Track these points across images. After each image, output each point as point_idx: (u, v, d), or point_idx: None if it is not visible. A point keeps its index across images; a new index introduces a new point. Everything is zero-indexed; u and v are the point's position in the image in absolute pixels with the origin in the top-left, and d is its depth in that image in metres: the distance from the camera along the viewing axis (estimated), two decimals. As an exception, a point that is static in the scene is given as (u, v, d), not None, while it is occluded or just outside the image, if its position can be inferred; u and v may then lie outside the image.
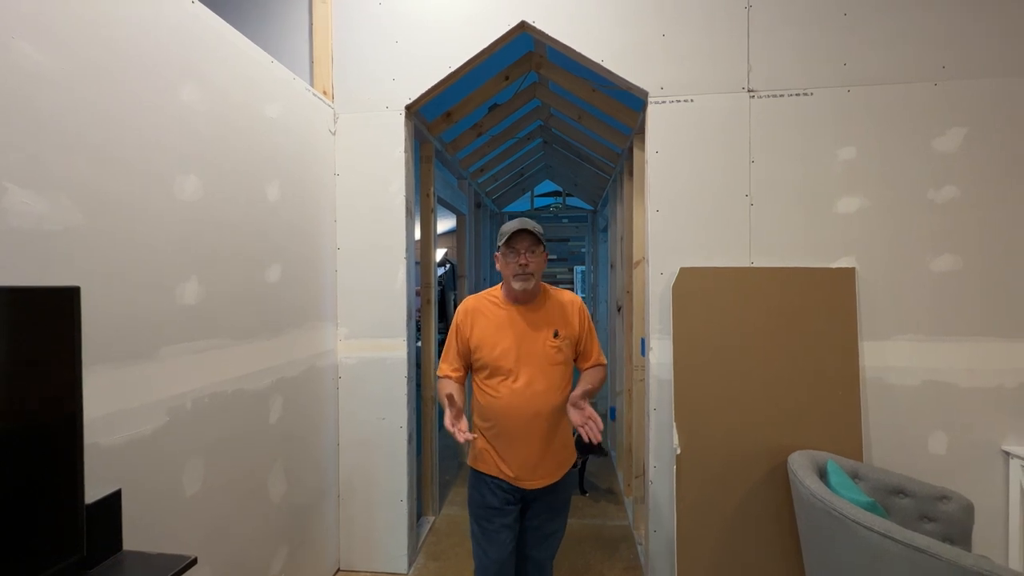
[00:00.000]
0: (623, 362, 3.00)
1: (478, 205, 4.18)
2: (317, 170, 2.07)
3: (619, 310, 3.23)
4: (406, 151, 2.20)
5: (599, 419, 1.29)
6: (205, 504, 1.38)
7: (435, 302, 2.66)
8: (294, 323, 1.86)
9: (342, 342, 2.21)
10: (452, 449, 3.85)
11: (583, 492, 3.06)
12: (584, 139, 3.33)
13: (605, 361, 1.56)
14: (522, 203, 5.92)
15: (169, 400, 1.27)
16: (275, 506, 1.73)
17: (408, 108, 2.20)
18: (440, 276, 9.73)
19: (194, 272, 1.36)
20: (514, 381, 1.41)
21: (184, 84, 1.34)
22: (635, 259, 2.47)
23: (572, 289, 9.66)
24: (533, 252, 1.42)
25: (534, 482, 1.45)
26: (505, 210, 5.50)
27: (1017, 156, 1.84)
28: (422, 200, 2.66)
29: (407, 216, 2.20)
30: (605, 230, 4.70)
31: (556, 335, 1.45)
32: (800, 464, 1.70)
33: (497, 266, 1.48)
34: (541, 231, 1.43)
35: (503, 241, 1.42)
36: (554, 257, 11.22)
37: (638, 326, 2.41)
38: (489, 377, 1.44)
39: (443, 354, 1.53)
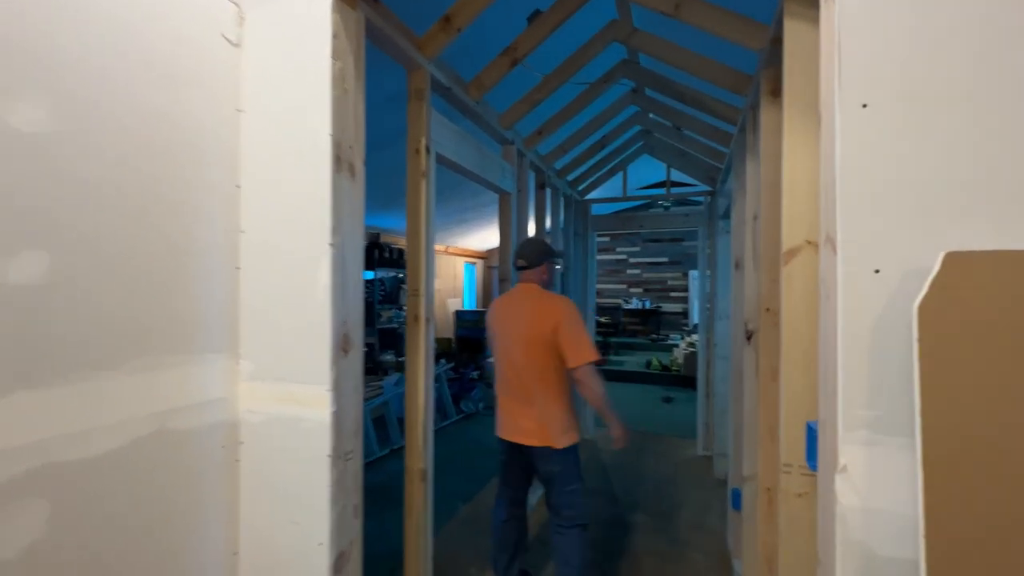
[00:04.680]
0: (755, 438, 1.68)
1: (541, 186, 3.12)
2: (197, 100, 1.24)
3: (749, 339, 1.91)
4: (336, 58, 1.26)
5: None
6: None
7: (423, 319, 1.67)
8: (97, 358, 1.02)
9: (246, 384, 1.34)
10: (478, 521, 2.68)
11: None
12: (692, 61, 2.08)
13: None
14: (611, 188, 4.66)
15: None
16: None
17: (344, -15, 1.27)
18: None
19: None
20: None
21: None
22: (787, 244, 1.21)
23: (687, 300, 8.46)
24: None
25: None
26: (588, 198, 4.33)
27: None
28: (410, 158, 1.70)
29: (336, 171, 1.25)
30: (726, 216, 3.30)
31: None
32: None
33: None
34: (528, 255, 1.91)
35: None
36: (664, 260, 9.45)
37: (794, 384, 1.14)
38: None
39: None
